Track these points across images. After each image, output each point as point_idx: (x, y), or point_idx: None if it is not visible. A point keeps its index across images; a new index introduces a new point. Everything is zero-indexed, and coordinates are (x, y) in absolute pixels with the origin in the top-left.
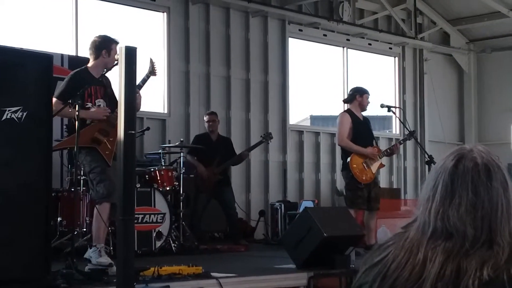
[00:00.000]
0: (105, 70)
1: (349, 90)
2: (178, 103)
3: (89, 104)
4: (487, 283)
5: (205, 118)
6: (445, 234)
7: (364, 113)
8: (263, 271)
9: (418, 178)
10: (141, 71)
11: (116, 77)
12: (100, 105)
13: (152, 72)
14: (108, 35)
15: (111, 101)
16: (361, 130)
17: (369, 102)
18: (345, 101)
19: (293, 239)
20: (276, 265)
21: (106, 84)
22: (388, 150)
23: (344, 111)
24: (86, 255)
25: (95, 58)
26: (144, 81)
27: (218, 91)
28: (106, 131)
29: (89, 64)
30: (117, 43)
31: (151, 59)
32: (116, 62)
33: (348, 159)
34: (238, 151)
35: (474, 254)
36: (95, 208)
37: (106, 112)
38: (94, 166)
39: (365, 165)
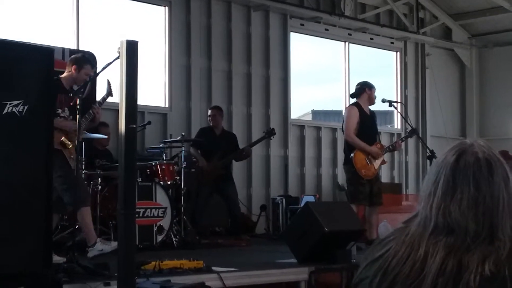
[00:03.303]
0: (74, 84)
1: (356, 85)
2: (179, 97)
3: (59, 111)
4: (489, 278)
5: (208, 112)
6: (446, 229)
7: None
8: (264, 266)
9: (419, 173)
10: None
11: (117, 71)
12: (66, 114)
13: (109, 93)
14: (89, 56)
15: (73, 112)
16: (367, 125)
17: (375, 97)
18: (353, 96)
19: (294, 234)
20: (277, 260)
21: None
22: (391, 147)
23: (352, 104)
24: (91, 255)
25: (67, 71)
26: (104, 99)
27: (220, 85)
28: (70, 138)
29: (62, 75)
30: (92, 65)
31: (108, 80)
32: (86, 80)
33: (352, 154)
34: (240, 146)
35: (476, 249)
36: (77, 214)
37: (75, 127)
38: (58, 174)
39: (368, 161)
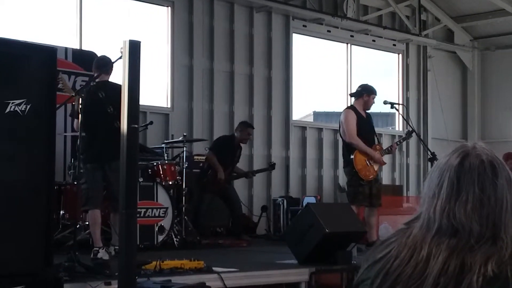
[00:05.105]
0: None
1: (358, 86)
2: (181, 97)
3: None
4: (491, 279)
5: (246, 131)
6: (450, 230)
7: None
8: (264, 266)
9: (420, 175)
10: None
11: (120, 71)
12: None
13: None
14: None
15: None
16: (364, 127)
17: (373, 103)
18: (351, 95)
19: (295, 235)
20: (278, 261)
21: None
22: (389, 149)
23: (348, 107)
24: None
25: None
26: None
27: (222, 86)
28: None
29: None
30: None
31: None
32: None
33: (352, 156)
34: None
35: (479, 249)
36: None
37: None
38: None
39: (368, 162)
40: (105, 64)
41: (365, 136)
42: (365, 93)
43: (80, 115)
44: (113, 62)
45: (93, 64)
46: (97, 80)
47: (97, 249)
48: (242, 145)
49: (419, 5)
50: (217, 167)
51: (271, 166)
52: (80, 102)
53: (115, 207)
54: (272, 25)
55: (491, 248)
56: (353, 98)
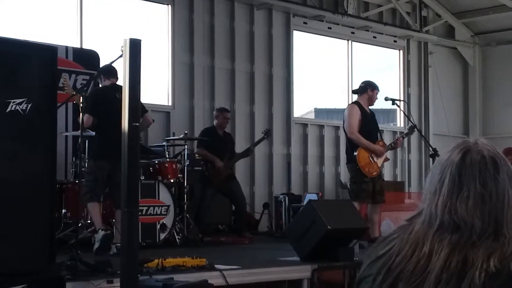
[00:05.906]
0: None
1: (361, 82)
2: (182, 95)
3: None
4: (494, 274)
5: (222, 115)
6: (452, 226)
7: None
8: (267, 264)
9: (422, 171)
10: None
11: (120, 69)
12: None
13: None
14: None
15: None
16: (368, 123)
17: (377, 98)
18: (355, 92)
19: (297, 232)
20: (280, 258)
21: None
22: (392, 144)
23: (353, 103)
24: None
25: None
26: None
27: (223, 84)
28: None
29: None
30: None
31: None
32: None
33: (355, 152)
34: (242, 143)
35: (481, 245)
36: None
37: None
38: None
39: (371, 159)
40: (111, 69)
41: (369, 131)
42: (369, 88)
43: (81, 113)
44: (114, 61)
45: (101, 72)
46: (110, 83)
47: (99, 228)
48: (244, 145)
49: (420, 1)
50: (211, 158)
51: (266, 133)
52: (82, 100)
53: (120, 204)
54: (272, 22)
55: (493, 244)
56: (355, 96)
